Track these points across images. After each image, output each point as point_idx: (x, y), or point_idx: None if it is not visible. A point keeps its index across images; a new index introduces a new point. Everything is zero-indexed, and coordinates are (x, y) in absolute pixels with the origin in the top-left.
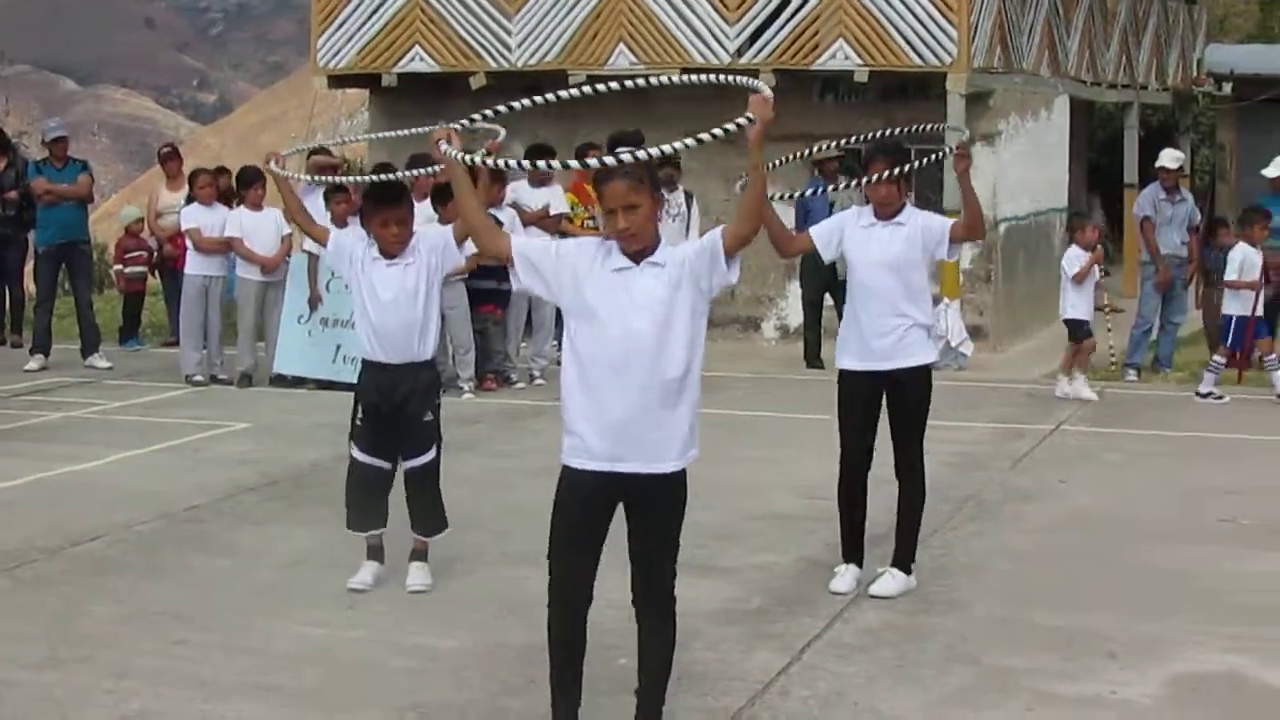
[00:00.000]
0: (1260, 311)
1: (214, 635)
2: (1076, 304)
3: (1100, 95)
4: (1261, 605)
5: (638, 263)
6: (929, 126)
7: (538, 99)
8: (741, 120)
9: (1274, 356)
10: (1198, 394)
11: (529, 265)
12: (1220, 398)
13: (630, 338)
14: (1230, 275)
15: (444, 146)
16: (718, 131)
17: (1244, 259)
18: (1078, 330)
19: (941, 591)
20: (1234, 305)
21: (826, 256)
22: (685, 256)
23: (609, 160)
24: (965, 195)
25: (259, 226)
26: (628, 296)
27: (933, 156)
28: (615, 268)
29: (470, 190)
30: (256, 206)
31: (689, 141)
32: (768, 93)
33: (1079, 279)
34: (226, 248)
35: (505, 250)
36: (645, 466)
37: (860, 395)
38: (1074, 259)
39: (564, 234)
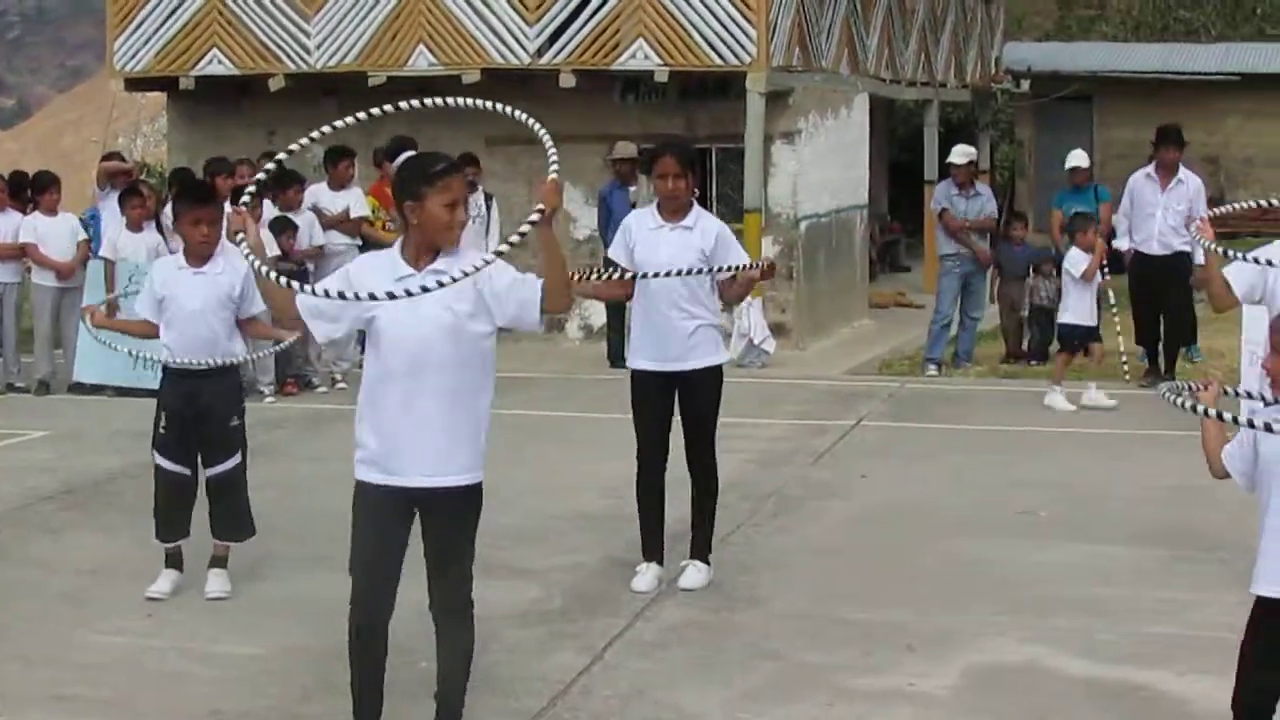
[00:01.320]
0: None
1: (11, 646)
2: (1076, 308)
3: (900, 93)
4: (1057, 595)
5: (420, 270)
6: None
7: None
8: (534, 217)
9: None
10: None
11: (315, 315)
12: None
13: (412, 346)
14: None
15: (246, 252)
16: (524, 228)
17: None
18: (1069, 337)
19: (744, 588)
20: None
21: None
22: (493, 288)
23: None
24: (738, 285)
25: (53, 232)
26: (411, 305)
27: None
28: (398, 276)
29: (275, 290)
30: (51, 212)
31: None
32: (555, 176)
33: (1088, 277)
34: (20, 254)
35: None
36: (433, 480)
37: (652, 395)
38: (1077, 261)
39: (364, 237)
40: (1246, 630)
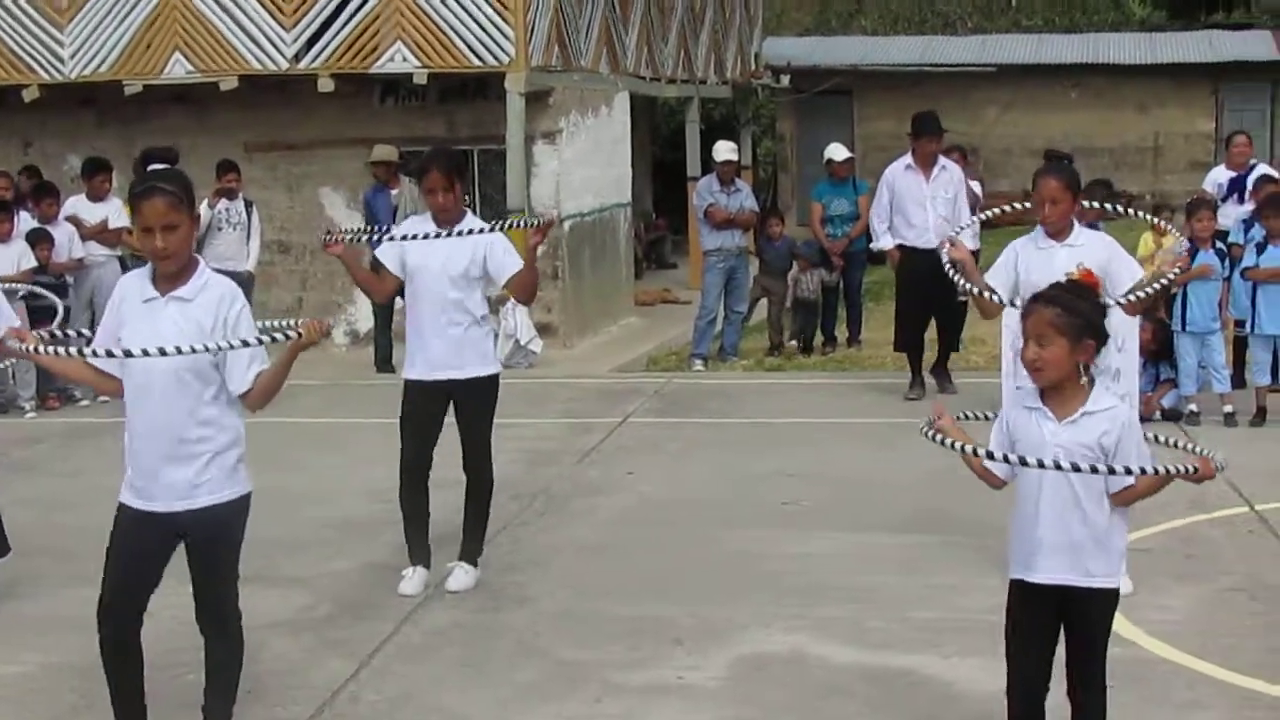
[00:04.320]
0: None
1: None
2: None
3: (661, 90)
4: (819, 584)
5: (164, 295)
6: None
7: None
8: (292, 335)
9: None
10: None
11: (111, 368)
12: None
13: (145, 373)
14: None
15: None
16: (280, 336)
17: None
18: None
19: (511, 588)
20: None
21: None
22: (233, 356)
23: None
24: (527, 262)
25: None
26: (151, 330)
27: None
28: (145, 298)
29: (64, 364)
30: None
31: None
32: (330, 325)
33: None
34: None
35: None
36: (189, 503)
37: (426, 404)
38: None
39: (125, 247)
40: (1006, 615)
